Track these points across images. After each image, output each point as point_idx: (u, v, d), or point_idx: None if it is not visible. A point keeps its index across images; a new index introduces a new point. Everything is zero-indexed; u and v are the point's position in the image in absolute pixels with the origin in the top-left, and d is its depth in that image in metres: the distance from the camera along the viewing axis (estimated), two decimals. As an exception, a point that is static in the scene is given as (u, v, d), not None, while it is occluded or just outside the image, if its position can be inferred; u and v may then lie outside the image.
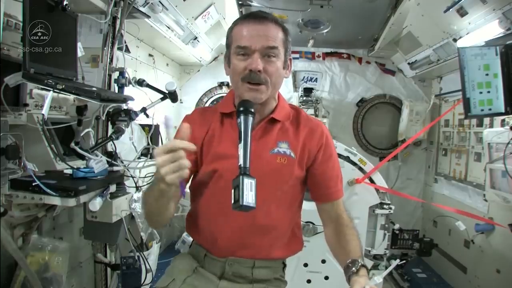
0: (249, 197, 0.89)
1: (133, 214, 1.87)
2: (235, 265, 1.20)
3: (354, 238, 1.19)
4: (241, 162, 0.95)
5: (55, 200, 1.42)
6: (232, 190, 0.92)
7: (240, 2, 3.24)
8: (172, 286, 1.20)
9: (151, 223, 1.25)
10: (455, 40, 2.80)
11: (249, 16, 1.15)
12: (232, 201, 0.91)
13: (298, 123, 1.24)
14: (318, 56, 4.35)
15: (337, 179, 1.27)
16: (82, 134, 1.63)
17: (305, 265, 2.65)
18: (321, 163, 1.23)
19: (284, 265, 1.33)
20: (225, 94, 4.30)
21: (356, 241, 1.18)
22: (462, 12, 2.49)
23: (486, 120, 2.94)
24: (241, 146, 0.98)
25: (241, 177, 0.91)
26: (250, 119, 1.04)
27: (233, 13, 3.28)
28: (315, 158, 1.22)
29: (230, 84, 1.27)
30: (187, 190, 1.27)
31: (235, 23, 1.16)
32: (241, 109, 1.05)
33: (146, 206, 1.14)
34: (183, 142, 0.89)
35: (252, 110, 1.06)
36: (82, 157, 1.63)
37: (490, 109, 2.22)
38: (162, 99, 2.00)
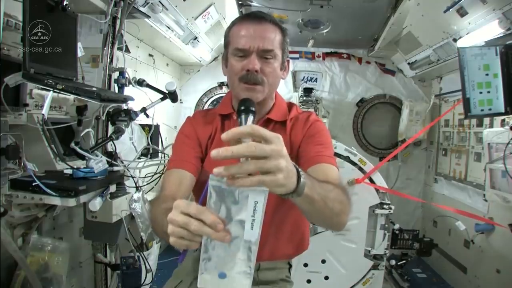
0: None
1: (133, 214, 1.86)
2: None
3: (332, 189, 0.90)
4: None
5: (55, 200, 1.41)
6: None
7: (240, 2, 3.24)
8: None
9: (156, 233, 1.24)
10: (455, 40, 2.80)
11: (247, 17, 1.15)
12: None
13: (286, 120, 1.23)
14: (318, 56, 4.35)
15: (323, 147, 1.15)
16: (82, 134, 1.63)
17: (305, 265, 2.66)
18: (305, 140, 1.17)
19: (290, 266, 1.32)
20: (225, 94, 4.31)
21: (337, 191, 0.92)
22: (462, 12, 2.49)
23: (486, 120, 2.94)
24: None
25: None
26: (251, 118, 1.02)
27: (233, 13, 3.28)
28: (300, 144, 1.18)
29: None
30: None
31: (233, 23, 1.16)
32: (242, 108, 1.04)
33: (151, 216, 1.13)
34: (212, 217, 0.65)
35: (253, 109, 1.04)
36: (82, 157, 1.62)
37: (490, 109, 2.22)
38: (162, 99, 2.00)
